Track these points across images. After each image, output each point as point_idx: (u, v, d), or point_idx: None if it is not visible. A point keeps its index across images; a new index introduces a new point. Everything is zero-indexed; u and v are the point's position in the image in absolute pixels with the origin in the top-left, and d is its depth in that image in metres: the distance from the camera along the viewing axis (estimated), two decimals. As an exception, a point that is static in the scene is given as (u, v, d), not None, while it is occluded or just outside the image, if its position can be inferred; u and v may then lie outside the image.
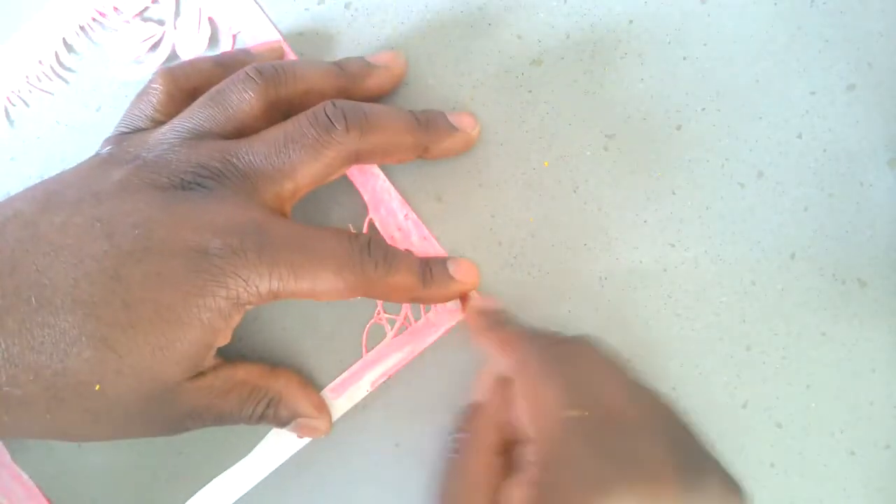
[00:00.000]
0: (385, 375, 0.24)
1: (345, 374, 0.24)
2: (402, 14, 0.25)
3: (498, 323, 0.23)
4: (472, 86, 0.25)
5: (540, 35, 0.24)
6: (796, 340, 0.23)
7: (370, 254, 0.21)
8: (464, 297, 0.24)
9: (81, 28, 0.27)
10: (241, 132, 0.22)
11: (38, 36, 0.27)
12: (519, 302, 0.24)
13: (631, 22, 0.24)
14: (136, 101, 0.23)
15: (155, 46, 0.26)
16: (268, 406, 0.22)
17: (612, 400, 0.19)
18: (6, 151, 0.27)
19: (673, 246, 0.24)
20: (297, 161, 0.21)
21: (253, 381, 0.22)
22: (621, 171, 0.24)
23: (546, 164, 0.24)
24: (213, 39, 0.26)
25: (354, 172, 0.25)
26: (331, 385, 0.24)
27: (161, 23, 0.26)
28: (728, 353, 0.23)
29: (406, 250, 0.23)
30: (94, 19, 0.27)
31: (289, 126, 0.21)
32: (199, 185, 0.20)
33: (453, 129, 0.23)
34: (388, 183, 0.24)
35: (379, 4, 0.25)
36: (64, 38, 0.27)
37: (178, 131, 0.22)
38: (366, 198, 0.25)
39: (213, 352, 0.21)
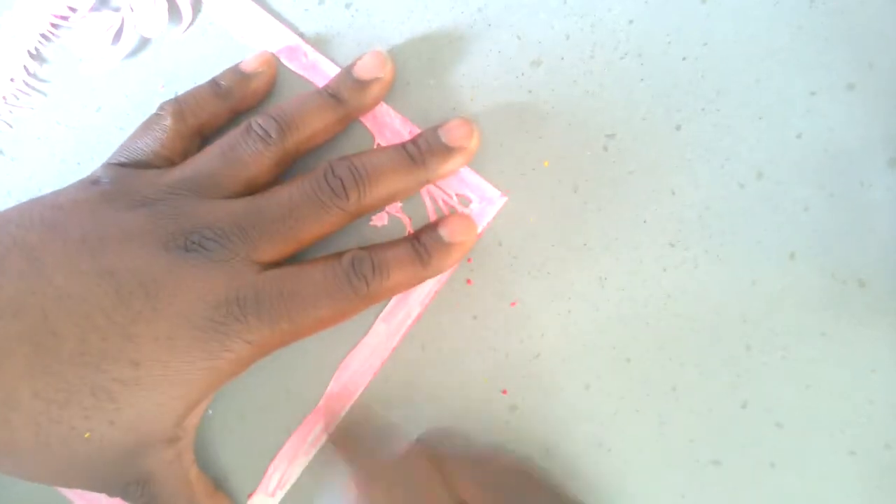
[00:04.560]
0: (431, 293, 0.24)
1: (392, 302, 0.24)
2: (403, 14, 0.25)
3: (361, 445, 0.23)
4: (471, 86, 0.25)
5: (540, 35, 0.24)
6: (796, 340, 0.23)
7: (356, 273, 0.21)
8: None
9: (43, 36, 0.27)
10: (249, 186, 0.22)
11: (2, 52, 0.27)
12: (518, 303, 0.24)
13: (631, 22, 0.24)
14: (140, 133, 0.24)
15: (118, 34, 0.26)
16: None
17: None
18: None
19: (673, 246, 0.24)
20: (302, 227, 0.22)
21: (199, 485, 0.23)
22: (621, 171, 0.24)
23: (546, 164, 0.24)
24: (174, 11, 0.26)
25: None
26: (381, 314, 0.24)
27: (117, 9, 0.26)
28: (728, 353, 0.23)
29: (391, 242, 0.23)
30: (53, 25, 0.27)
31: (294, 191, 0.22)
32: (201, 246, 0.21)
33: (449, 151, 0.23)
34: (385, 106, 0.25)
35: (379, 5, 0.25)
36: (29, 50, 0.27)
37: (187, 183, 0.22)
38: (368, 125, 0.25)
39: (194, 416, 0.22)
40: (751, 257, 0.23)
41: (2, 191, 0.27)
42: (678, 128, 0.24)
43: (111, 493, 0.22)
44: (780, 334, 0.23)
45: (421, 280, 0.23)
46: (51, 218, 0.21)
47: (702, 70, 0.24)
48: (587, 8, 0.24)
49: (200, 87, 0.24)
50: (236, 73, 0.25)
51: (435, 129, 0.23)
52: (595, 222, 0.24)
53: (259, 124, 0.22)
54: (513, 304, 0.24)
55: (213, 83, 0.24)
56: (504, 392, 0.24)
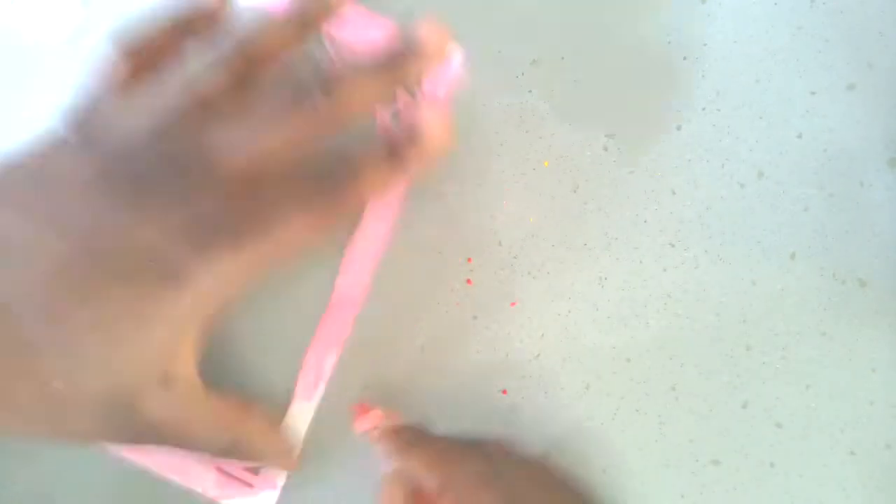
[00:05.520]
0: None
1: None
2: (402, 14, 0.25)
3: (418, 439, 0.22)
4: (471, 86, 0.25)
5: (539, 35, 0.24)
6: (796, 340, 0.23)
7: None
8: (362, 410, 0.23)
9: None
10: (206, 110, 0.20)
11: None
12: (518, 302, 0.24)
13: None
14: (91, 71, 0.22)
15: None
16: (233, 444, 0.22)
17: None
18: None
19: (673, 246, 0.24)
20: (267, 148, 0.20)
21: (223, 413, 0.22)
22: (621, 171, 0.24)
23: (546, 164, 0.24)
24: None
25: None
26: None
27: None
28: (728, 353, 0.23)
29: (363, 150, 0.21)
30: None
31: (258, 109, 0.20)
32: (160, 182, 0.19)
33: (422, 58, 0.20)
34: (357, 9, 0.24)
35: (378, 5, 0.25)
36: None
37: (143, 116, 0.20)
38: (337, 37, 0.24)
39: (183, 356, 0.21)
40: (751, 257, 0.23)
41: None
42: (678, 128, 0.24)
43: (131, 444, 0.21)
44: (780, 334, 0.23)
45: (395, 174, 0.21)
46: (5, 177, 0.20)
47: (702, 70, 0.24)
48: (587, 8, 0.24)
49: (151, 17, 0.22)
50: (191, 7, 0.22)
51: (406, 36, 0.21)
52: (595, 222, 0.24)
53: (215, 55, 0.21)
54: (513, 304, 0.24)
55: (165, 16, 0.22)
56: (504, 392, 0.24)
